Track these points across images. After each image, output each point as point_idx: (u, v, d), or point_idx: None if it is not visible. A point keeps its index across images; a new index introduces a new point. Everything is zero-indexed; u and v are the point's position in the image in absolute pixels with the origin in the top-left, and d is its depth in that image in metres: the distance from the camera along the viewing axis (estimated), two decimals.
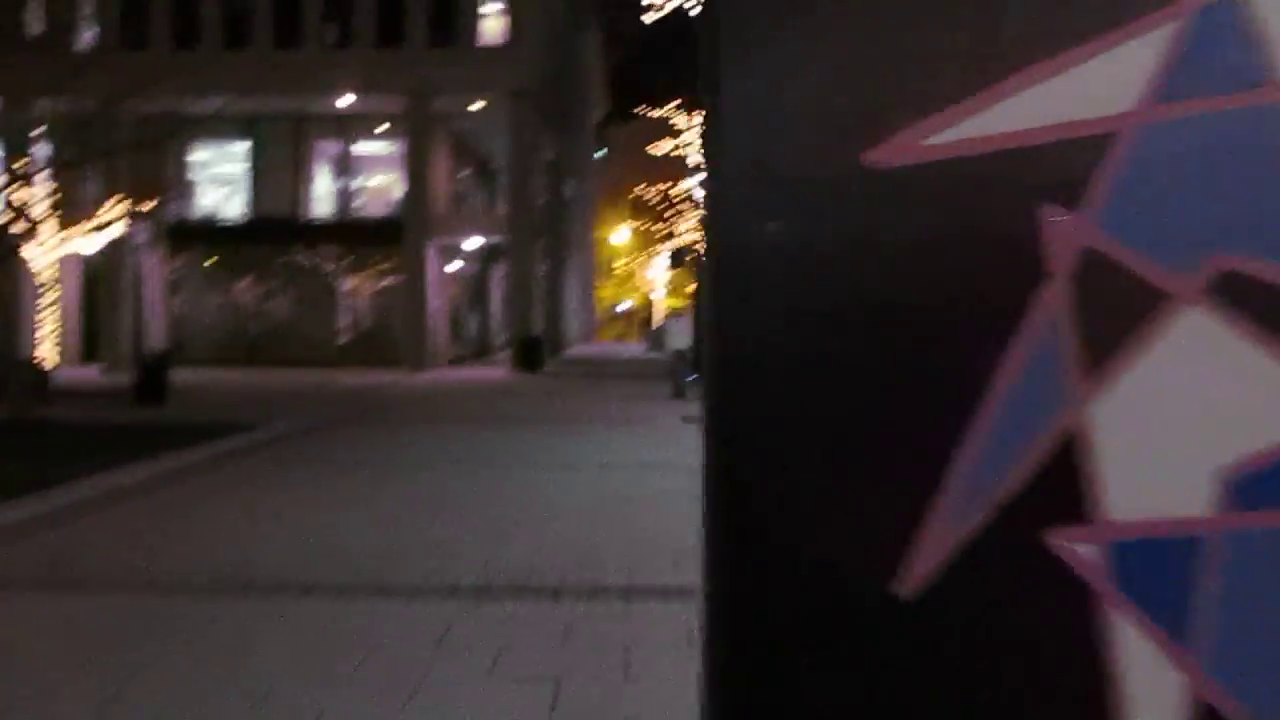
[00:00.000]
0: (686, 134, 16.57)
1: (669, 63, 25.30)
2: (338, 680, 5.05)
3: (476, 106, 33.75)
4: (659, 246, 47.47)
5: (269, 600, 6.48)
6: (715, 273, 1.39)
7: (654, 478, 11.38)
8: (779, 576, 1.38)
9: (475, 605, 6.29)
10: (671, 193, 19.35)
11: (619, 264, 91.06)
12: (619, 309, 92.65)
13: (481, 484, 11.11)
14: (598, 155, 70.72)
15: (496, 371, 32.00)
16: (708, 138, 1.42)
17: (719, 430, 1.41)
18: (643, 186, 19.73)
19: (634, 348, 54.50)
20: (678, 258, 37.90)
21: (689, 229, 19.08)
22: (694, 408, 19.04)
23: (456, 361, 35.06)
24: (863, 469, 1.35)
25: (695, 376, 22.73)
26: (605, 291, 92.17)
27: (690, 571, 7.08)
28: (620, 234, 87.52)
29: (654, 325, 65.81)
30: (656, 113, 16.93)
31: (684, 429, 16.27)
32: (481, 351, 39.95)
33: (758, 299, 1.36)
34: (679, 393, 22.03)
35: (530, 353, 31.60)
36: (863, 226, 1.35)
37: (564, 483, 11.16)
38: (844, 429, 1.35)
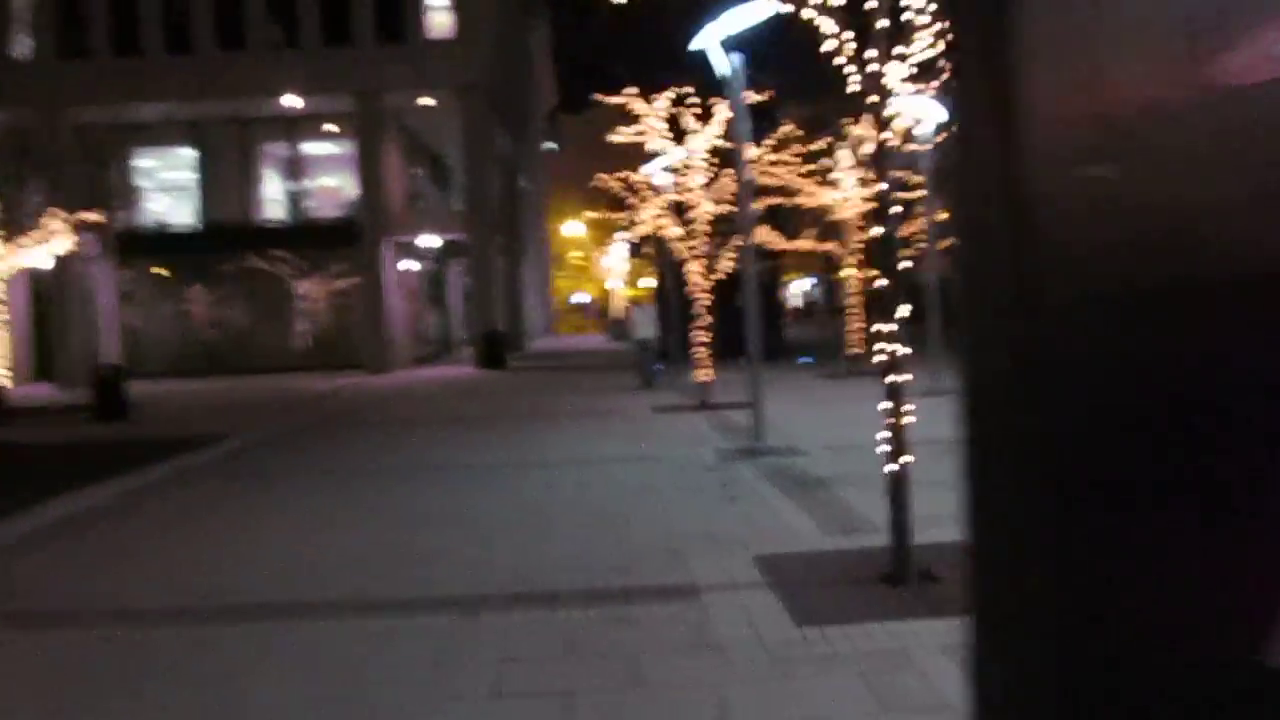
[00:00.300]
0: (649, 120, 16.26)
1: (623, 50, 25.04)
2: (333, 715, 4.82)
3: (427, 103, 33.29)
4: (617, 236, 47.23)
5: (256, 624, 6.22)
6: (994, 244, 1.02)
7: (633, 472, 11.18)
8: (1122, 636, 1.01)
9: (470, 618, 6.07)
10: (632, 180, 18.97)
11: (574, 255, 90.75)
12: (576, 301, 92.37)
13: (462, 487, 10.86)
14: (548, 147, 70.29)
15: (460, 370, 31.64)
16: (972, 74, 1.09)
17: (1011, 446, 1.04)
18: (600, 176, 19.30)
19: (595, 339, 54.26)
20: (637, 247, 37.66)
21: (651, 217, 18.73)
22: (663, 397, 18.87)
23: (419, 361, 34.63)
24: (1228, 505, 0.94)
25: (659, 366, 22.61)
26: (562, 283, 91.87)
27: (687, 569, 6.89)
28: (574, 226, 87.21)
29: (613, 316, 65.58)
30: (616, 99, 16.57)
31: (656, 420, 16.09)
32: (443, 350, 39.53)
33: (1078, 273, 0.98)
34: (647, 383, 21.85)
35: (494, 349, 31.27)
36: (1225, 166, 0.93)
37: (545, 481, 10.93)
38: (1204, 448, 0.94)
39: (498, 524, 8.79)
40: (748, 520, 8.46)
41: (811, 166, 21.25)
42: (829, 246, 24.86)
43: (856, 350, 22.91)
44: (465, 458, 13.08)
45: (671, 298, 23.07)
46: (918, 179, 19.49)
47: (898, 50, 6.30)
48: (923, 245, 20.04)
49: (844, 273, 23.94)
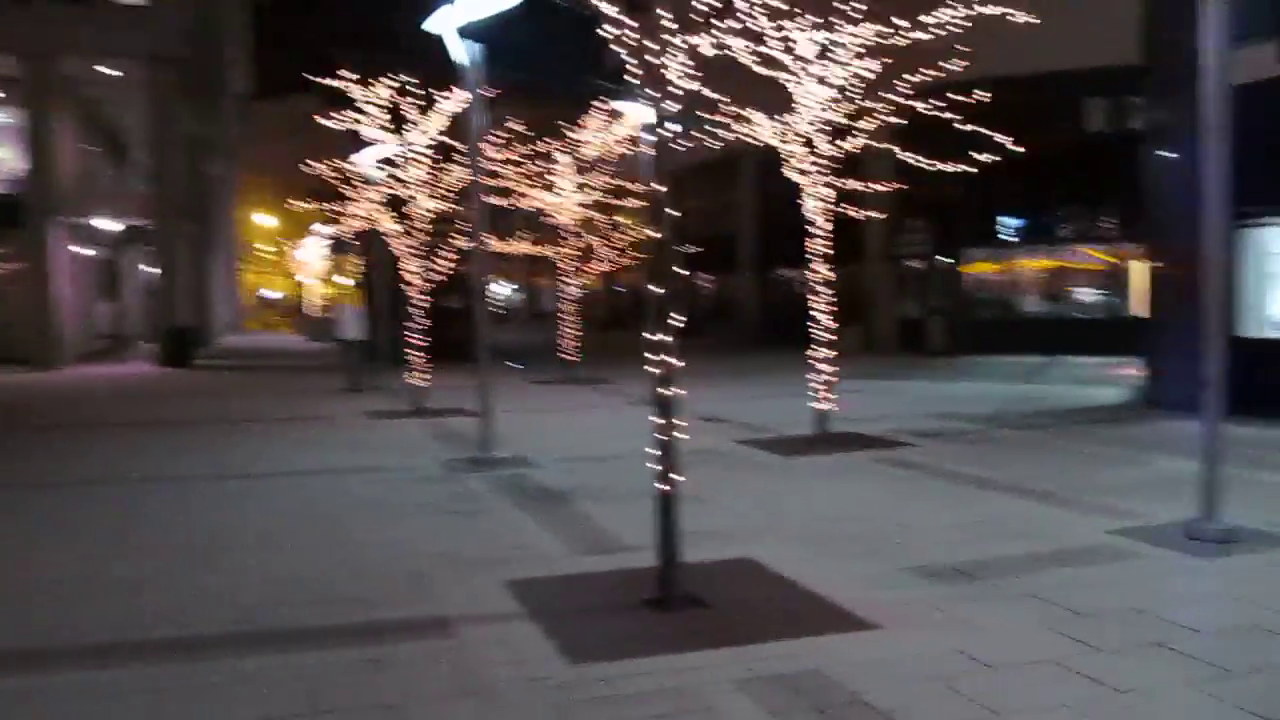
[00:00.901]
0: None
1: (341, 30, 23.67)
2: None
3: (110, 73, 30.24)
4: (316, 229, 44.93)
5: None
6: None
7: (354, 485, 10.30)
8: None
9: (188, 664, 5.15)
10: (346, 169, 17.80)
11: (265, 249, 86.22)
12: (267, 296, 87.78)
13: (163, 502, 9.61)
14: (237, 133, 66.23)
15: (140, 368, 28.89)
16: None
17: None
18: (311, 163, 18.00)
19: (289, 338, 51.53)
20: (341, 242, 35.93)
21: (365, 210, 17.64)
22: (375, 401, 17.85)
23: (91, 358, 31.38)
24: None
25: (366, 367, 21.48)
26: (252, 278, 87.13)
27: (435, 597, 6.23)
28: (266, 217, 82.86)
29: (309, 313, 62.68)
30: (332, 82, 15.44)
31: (371, 426, 15.13)
32: (119, 346, 36.13)
33: None
34: (355, 386, 20.67)
35: (178, 346, 28.78)
36: None
37: (257, 495, 9.86)
38: None
39: (211, 546, 7.75)
40: (489, 539, 7.86)
41: (533, 168, 20.80)
42: (546, 250, 24.50)
43: (570, 357, 22.70)
44: (164, 468, 11.68)
45: (381, 296, 21.94)
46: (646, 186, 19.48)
47: (679, 42, 5.94)
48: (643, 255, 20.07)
49: (566, 279, 23.62)
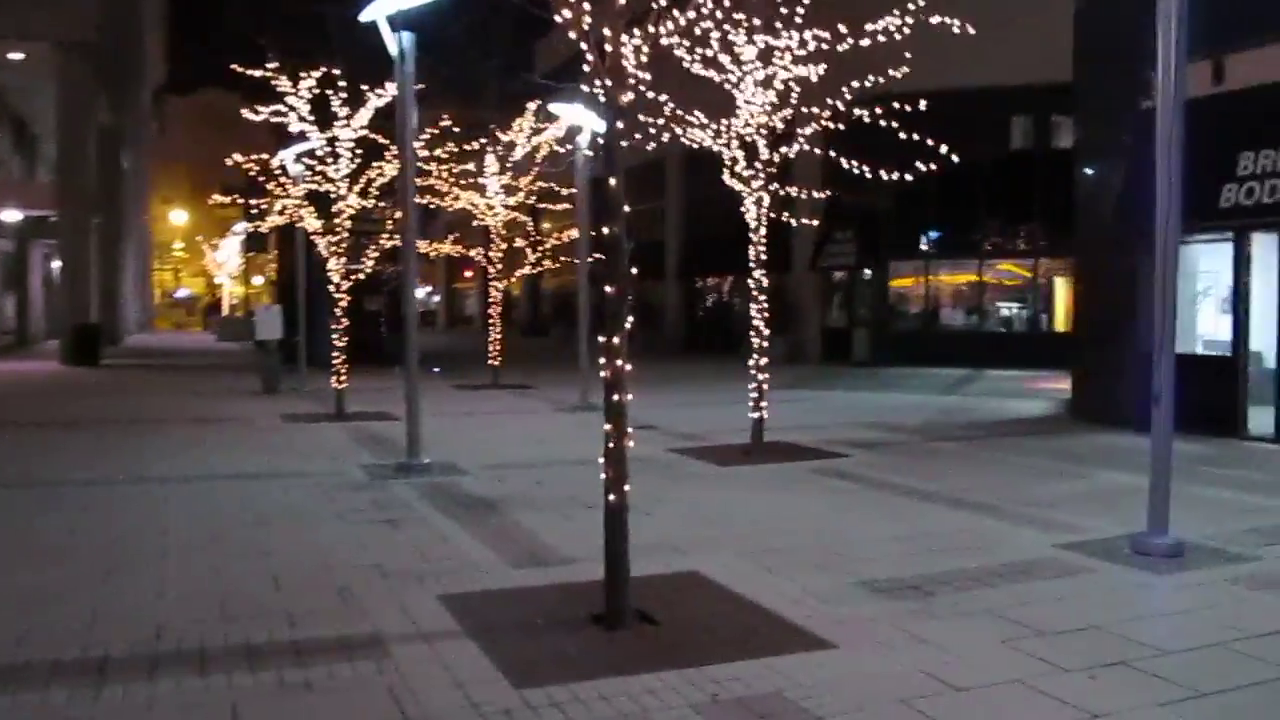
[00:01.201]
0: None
1: (266, 21, 22.95)
2: None
3: (17, 57, 29.04)
4: (233, 227, 43.79)
5: None
6: None
7: (275, 491, 9.82)
8: None
9: (92, 689, 4.71)
10: (269, 164, 17.17)
11: (178, 246, 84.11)
12: (179, 295, 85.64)
13: (71, 508, 9.03)
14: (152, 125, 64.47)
15: (44, 365, 27.73)
16: None
17: None
18: (235, 157, 17.30)
19: (202, 337, 50.16)
20: (258, 240, 35.00)
21: (288, 207, 17.04)
22: (293, 404, 17.26)
23: None
24: None
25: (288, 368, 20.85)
26: (164, 275, 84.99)
27: (364, 614, 5.85)
28: (179, 214, 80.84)
29: (223, 313, 61.22)
30: (257, 72, 14.87)
31: (289, 430, 14.57)
32: (20, 342, 34.75)
33: None
34: (271, 388, 20.00)
35: (86, 343, 27.69)
36: None
37: (173, 501, 9.33)
38: None
39: (116, 557, 7.24)
40: (419, 550, 7.48)
41: (461, 167, 20.37)
42: (471, 252, 24.05)
43: (495, 362, 22.30)
44: (72, 471, 11.03)
45: (300, 296, 21.28)
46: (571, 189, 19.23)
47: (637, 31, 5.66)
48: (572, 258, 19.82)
49: (490, 282, 23.18)
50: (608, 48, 5.60)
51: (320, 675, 4.88)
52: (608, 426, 5.71)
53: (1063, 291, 25.87)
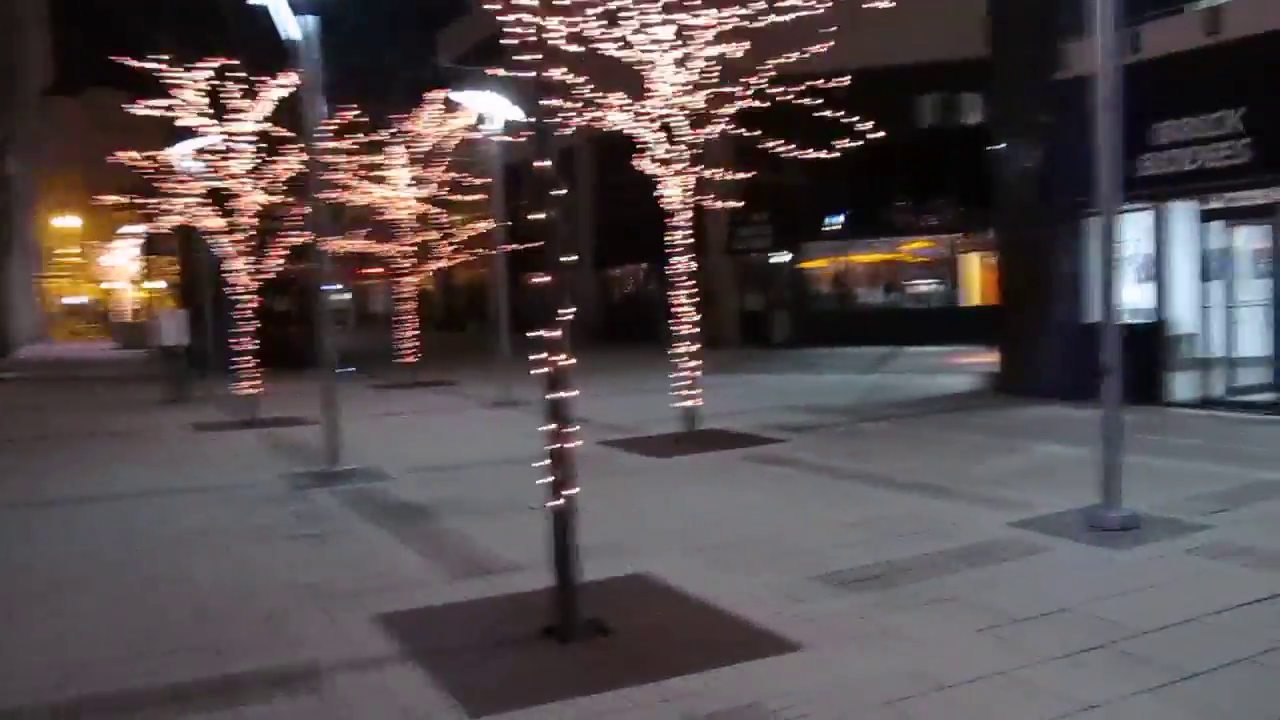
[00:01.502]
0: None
1: (156, 12, 21.94)
2: None
3: None
4: (126, 230, 42.14)
5: None
6: None
7: (189, 508, 9.24)
8: None
9: None
10: (163, 161, 16.37)
11: (71, 253, 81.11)
12: (72, 303, 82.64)
13: None
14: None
15: None
16: None
17: None
18: (128, 155, 16.45)
19: (100, 346, 48.32)
20: (155, 243, 33.73)
21: (186, 205, 16.24)
22: (202, 413, 16.53)
23: None
24: None
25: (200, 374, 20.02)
26: (54, 284, 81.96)
27: (297, 640, 5.41)
28: (69, 220, 77.92)
29: (120, 321, 59.14)
30: (146, 65, 14.07)
31: (199, 440, 13.90)
32: None
33: None
34: (178, 396, 19.16)
35: None
36: None
37: (78, 524, 8.71)
38: None
39: (16, 591, 6.67)
40: (351, 566, 7.03)
41: (366, 160, 19.72)
42: (379, 248, 23.36)
43: (409, 359, 21.71)
44: None
45: (203, 299, 20.46)
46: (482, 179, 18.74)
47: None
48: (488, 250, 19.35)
49: (401, 278, 22.54)
50: (537, 21, 5.22)
51: (257, 715, 4.44)
52: (551, 426, 5.35)
53: (976, 267, 26.09)
